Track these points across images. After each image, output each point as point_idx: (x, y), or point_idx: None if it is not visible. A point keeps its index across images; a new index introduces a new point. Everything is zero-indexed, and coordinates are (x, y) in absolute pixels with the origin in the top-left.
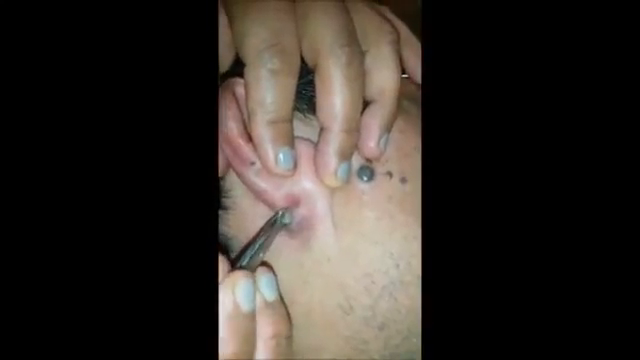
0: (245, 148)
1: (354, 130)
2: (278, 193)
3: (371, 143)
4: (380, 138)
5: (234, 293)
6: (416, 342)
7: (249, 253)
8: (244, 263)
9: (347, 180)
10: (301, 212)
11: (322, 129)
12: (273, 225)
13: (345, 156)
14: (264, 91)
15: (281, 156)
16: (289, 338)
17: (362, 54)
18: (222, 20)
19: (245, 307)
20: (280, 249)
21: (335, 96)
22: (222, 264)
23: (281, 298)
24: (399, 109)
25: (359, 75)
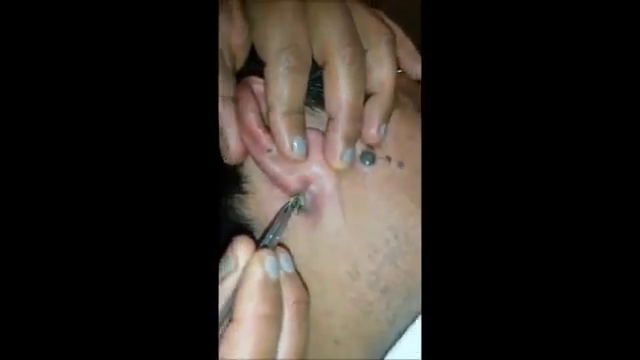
0: (263, 137)
1: (358, 119)
2: (291, 177)
3: (373, 130)
4: (380, 126)
5: (263, 266)
6: (415, 304)
7: (269, 235)
8: (266, 243)
9: (352, 164)
10: (312, 193)
11: (330, 119)
12: (287, 210)
13: (350, 142)
14: (281, 87)
15: (295, 144)
16: (308, 304)
17: (364, 53)
18: (238, 23)
19: (272, 275)
20: (296, 227)
21: (341, 89)
22: (248, 244)
23: (297, 271)
24: (395, 101)
25: (361, 71)
